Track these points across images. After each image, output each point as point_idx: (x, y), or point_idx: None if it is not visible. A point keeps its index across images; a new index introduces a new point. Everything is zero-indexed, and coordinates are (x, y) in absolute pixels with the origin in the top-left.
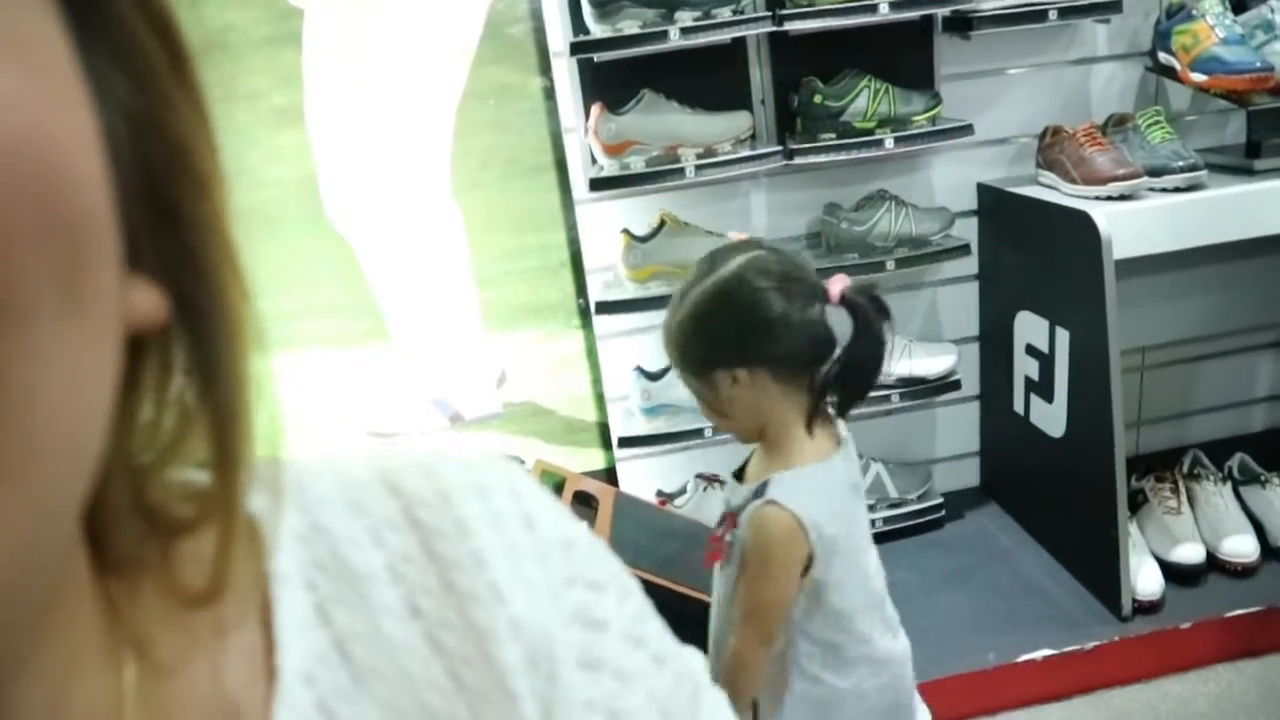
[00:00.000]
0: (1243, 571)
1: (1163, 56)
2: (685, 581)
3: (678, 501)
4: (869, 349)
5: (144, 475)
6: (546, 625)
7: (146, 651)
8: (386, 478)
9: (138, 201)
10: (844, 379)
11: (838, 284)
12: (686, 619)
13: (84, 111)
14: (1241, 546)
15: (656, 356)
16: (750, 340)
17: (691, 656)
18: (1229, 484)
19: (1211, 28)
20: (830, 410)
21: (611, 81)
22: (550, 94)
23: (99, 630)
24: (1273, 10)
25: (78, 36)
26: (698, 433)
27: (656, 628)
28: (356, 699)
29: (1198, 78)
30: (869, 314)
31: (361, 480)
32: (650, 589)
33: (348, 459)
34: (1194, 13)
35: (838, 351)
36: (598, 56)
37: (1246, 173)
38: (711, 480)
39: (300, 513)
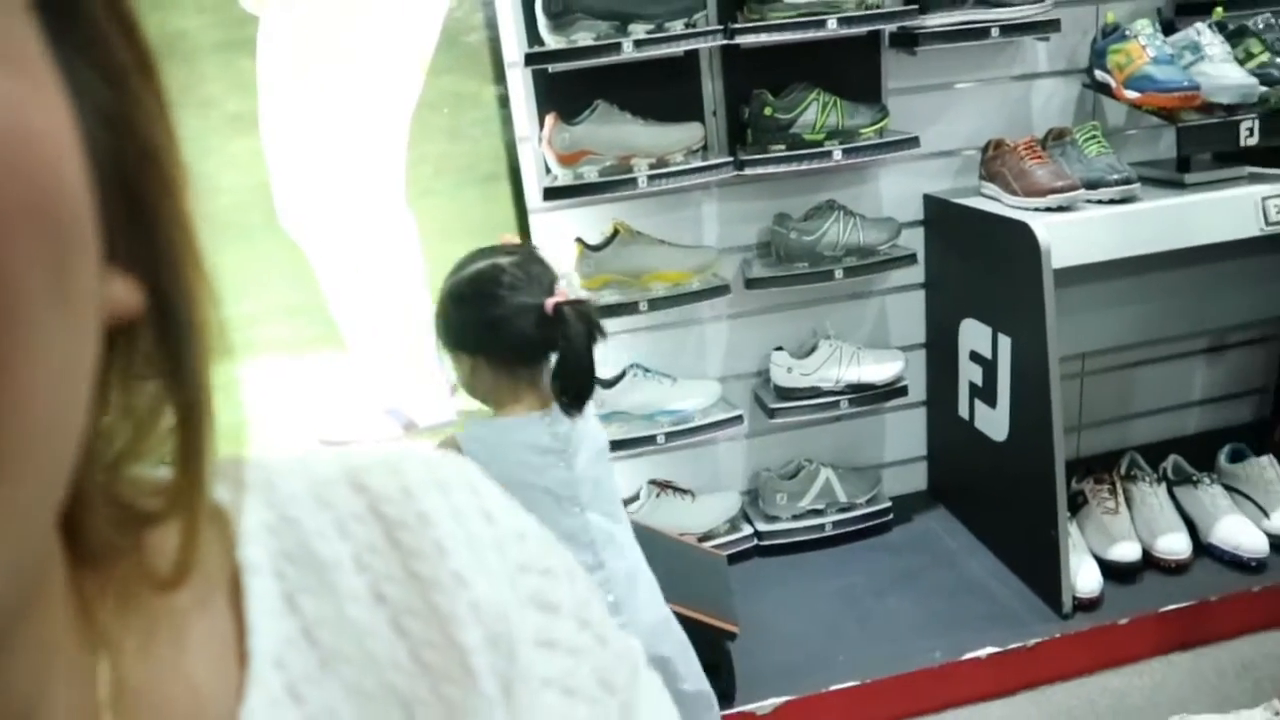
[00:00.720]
0: (1176, 568)
1: (1099, 74)
2: None
3: (631, 508)
4: (575, 357)
5: (114, 467)
6: (505, 608)
7: (119, 641)
8: (352, 475)
9: (112, 197)
10: (560, 380)
11: (555, 299)
12: None
13: (64, 111)
14: (1175, 544)
15: (610, 364)
16: (473, 335)
17: (630, 639)
18: (1163, 484)
19: (1143, 48)
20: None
21: (565, 92)
22: (505, 103)
23: (72, 622)
24: (1199, 33)
25: (53, 36)
26: (650, 439)
27: (600, 611)
28: (324, 682)
29: (1131, 95)
30: (573, 327)
31: (328, 477)
32: None
33: (315, 458)
34: (1127, 33)
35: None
36: (552, 67)
37: (1178, 186)
38: (665, 486)
39: (270, 507)
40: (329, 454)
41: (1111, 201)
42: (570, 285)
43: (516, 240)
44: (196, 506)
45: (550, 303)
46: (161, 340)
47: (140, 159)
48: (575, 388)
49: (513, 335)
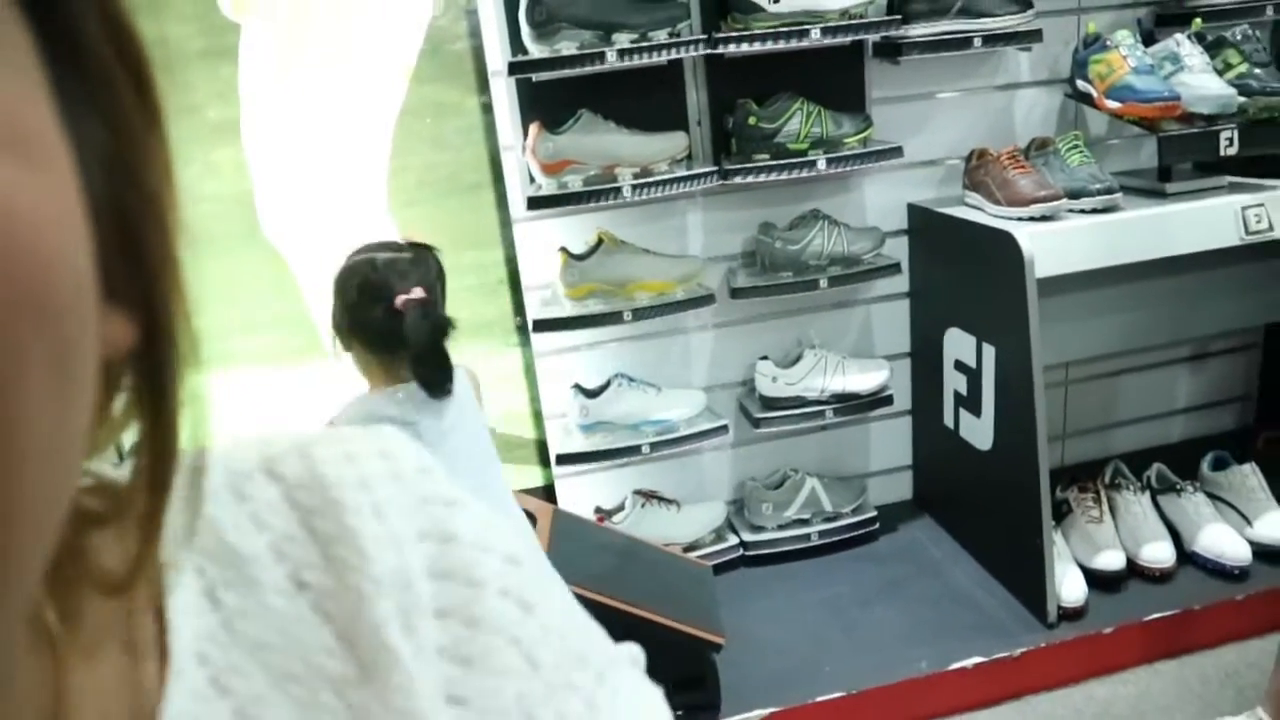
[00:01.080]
0: (1160, 577)
1: (1080, 84)
2: (624, 598)
3: (616, 518)
4: (420, 349)
5: None
6: (407, 570)
7: (71, 638)
8: (266, 465)
9: (110, 239)
10: (412, 366)
11: (404, 295)
12: (627, 635)
13: (69, 186)
14: (1159, 553)
15: (594, 374)
16: (344, 321)
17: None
18: (1147, 493)
19: (1124, 58)
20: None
21: (549, 101)
22: (488, 111)
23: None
24: (1178, 44)
25: (59, 86)
26: (635, 449)
27: (510, 538)
28: (249, 673)
29: (1112, 104)
30: (417, 324)
31: (244, 470)
32: (589, 605)
33: (233, 449)
34: (1108, 43)
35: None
36: (536, 76)
37: (1159, 195)
38: (650, 497)
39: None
40: (246, 443)
41: (1094, 211)
42: (416, 295)
43: (415, 239)
44: (159, 514)
45: (399, 300)
46: (149, 370)
47: (141, 204)
48: (424, 374)
49: (367, 325)
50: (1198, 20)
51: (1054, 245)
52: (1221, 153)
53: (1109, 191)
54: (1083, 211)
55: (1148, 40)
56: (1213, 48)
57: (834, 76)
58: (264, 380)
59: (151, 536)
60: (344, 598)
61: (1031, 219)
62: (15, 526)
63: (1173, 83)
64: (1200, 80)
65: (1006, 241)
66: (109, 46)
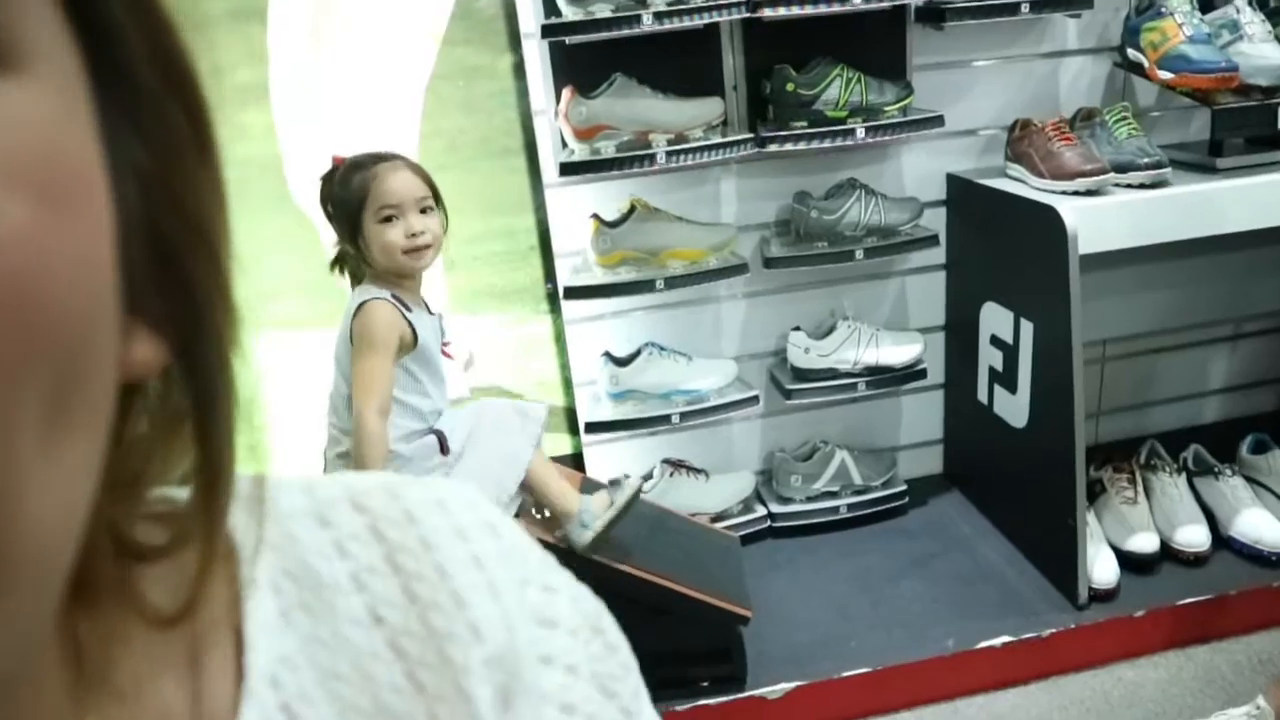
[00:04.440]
0: (1195, 560)
1: (1131, 53)
2: (651, 569)
3: (645, 488)
4: None
5: (118, 505)
6: (511, 623)
7: (110, 678)
8: (353, 496)
9: (144, 259)
10: None
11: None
12: (654, 607)
13: (100, 215)
14: (1194, 536)
15: (625, 342)
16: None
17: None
18: (1183, 475)
19: (1179, 26)
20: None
21: (583, 64)
22: (520, 75)
23: (59, 665)
24: (1238, 10)
25: (100, 96)
26: (665, 419)
27: (610, 622)
28: (317, 701)
29: (1164, 75)
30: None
31: (330, 497)
32: (617, 577)
33: (316, 478)
34: (1163, 10)
35: None
36: (569, 39)
37: (1210, 170)
38: (679, 466)
39: (271, 522)
40: (328, 477)
41: (1141, 186)
42: None
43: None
44: (213, 543)
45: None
46: (192, 392)
47: (181, 227)
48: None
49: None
50: None
51: (1099, 221)
52: None
53: (1158, 166)
54: (1129, 186)
55: (1205, 6)
56: (1275, 15)
57: (875, 42)
58: (292, 345)
59: (208, 565)
60: (422, 638)
61: (1076, 193)
62: (20, 573)
63: (1230, 52)
64: (1260, 50)
65: (1049, 216)
66: (155, 69)
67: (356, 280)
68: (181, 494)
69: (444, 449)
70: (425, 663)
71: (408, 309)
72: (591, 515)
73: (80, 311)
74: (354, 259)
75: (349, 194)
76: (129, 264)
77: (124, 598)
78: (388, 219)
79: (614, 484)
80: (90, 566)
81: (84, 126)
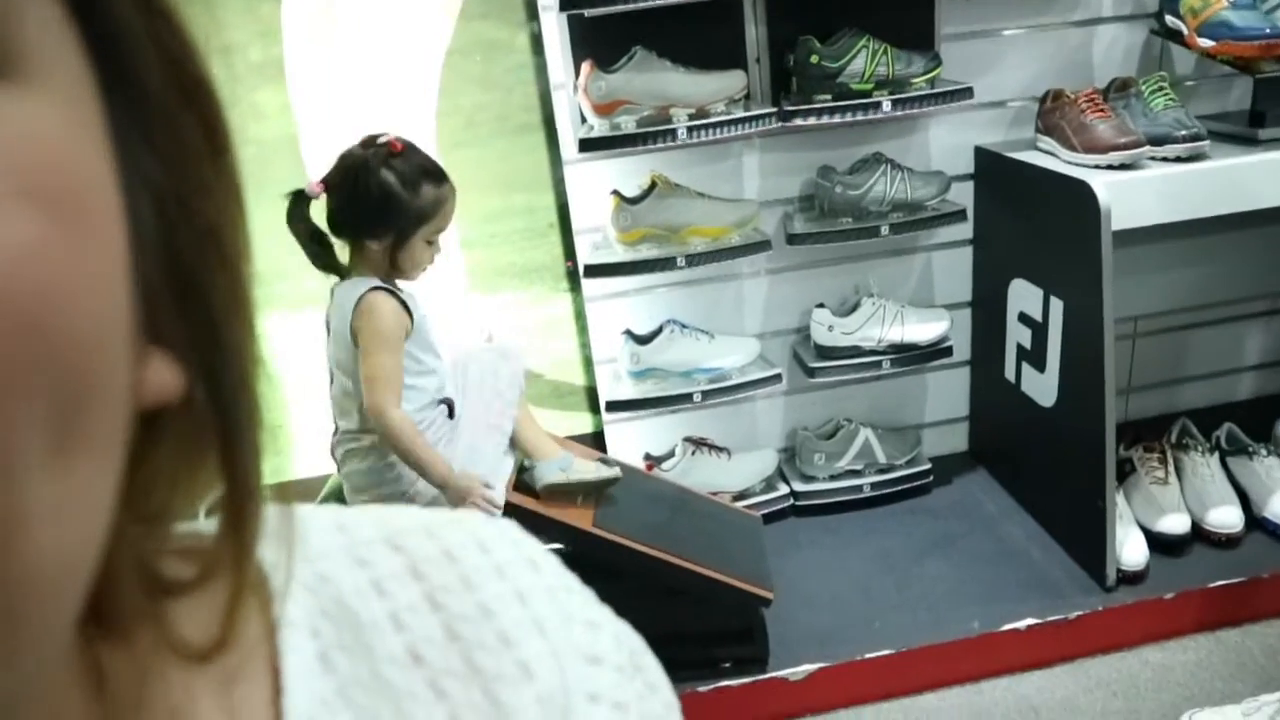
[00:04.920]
0: (1227, 542)
1: (1169, 19)
2: (674, 551)
3: (665, 465)
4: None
5: (145, 536)
6: (560, 661)
7: (143, 712)
8: (389, 537)
9: (159, 278)
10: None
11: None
12: (677, 588)
13: (112, 230)
14: (1226, 517)
15: (646, 320)
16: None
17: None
18: (1216, 454)
19: None
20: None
21: (602, 38)
22: (539, 49)
23: (81, 696)
24: None
25: (112, 109)
26: (686, 397)
27: (651, 660)
28: None
29: (1205, 43)
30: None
31: (365, 537)
32: (638, 559)
33: (350, 517)
34: None
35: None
36: (588, 12)
37: (1250, 142)
38: (700, 444)
39: (305, 562)
40: (359, 512)
41: (1178, 159)
42: None
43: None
44: (243, 574)
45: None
46: (214, 417)
47: (198, 244)
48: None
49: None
50: None
51: (1133, 196)
52: None
53: (1196, 139)
54: (1165, 160)
55: None
56: None
57: (902, 11)
58: (307, 325)
59: (239, 597)
60: (465, 679)
61: (1110, 167)
62: (27, 603)
63: (1276, 18)
64: None
65: (1082, 191)
66: (168, 78)
67: (334, 270)
68: (209, 527)
69: (452, 413)
70: (471, 704)
71: (399, 290)
72: (570, 464)
73: (91, 332)
74: (357, 250)
75: (420, 200)
76: (143, 282)
77: (156, 631)
78: (431, 240)
79: (604, 461)
80: (118, 600)
81: (94, 138)
